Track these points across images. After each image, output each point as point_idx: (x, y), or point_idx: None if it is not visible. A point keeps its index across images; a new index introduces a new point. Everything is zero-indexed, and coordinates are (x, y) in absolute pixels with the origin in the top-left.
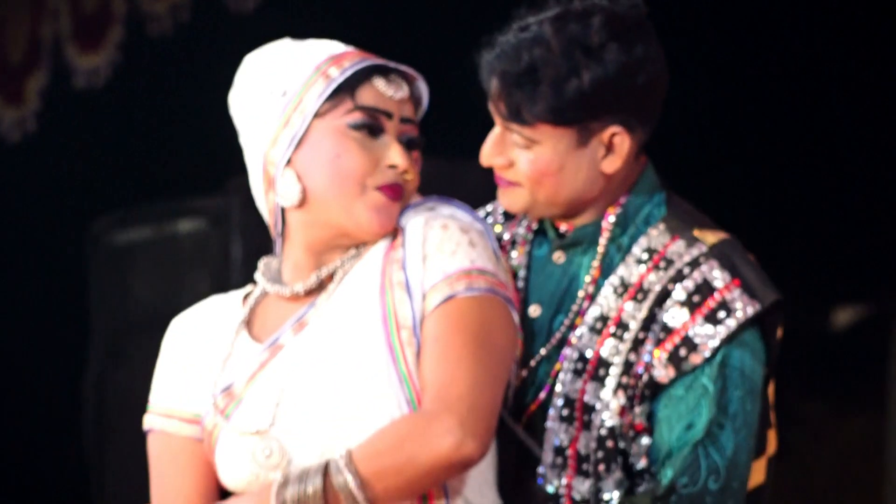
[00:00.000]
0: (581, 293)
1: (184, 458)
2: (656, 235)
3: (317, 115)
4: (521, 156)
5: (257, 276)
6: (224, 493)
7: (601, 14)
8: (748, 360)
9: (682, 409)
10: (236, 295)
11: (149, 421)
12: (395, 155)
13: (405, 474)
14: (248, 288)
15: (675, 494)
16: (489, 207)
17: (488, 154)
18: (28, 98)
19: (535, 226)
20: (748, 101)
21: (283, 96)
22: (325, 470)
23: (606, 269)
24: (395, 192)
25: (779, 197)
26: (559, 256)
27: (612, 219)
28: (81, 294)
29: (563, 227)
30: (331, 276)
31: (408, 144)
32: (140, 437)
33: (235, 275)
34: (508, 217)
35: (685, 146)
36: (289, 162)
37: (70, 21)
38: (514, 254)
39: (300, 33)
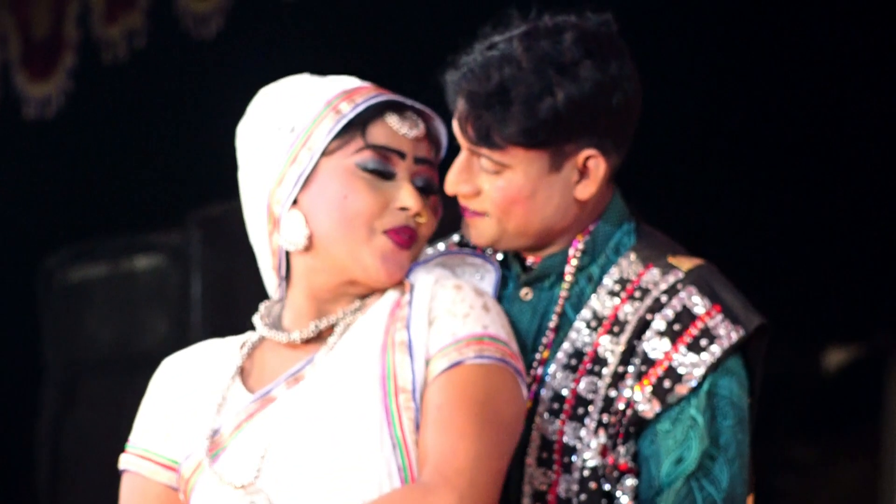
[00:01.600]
0: (551, 324)
1: (154, 503)
2: (628, 265)
3: (325, 153)
4: (489, 182)
5: (255, 319)
6: None
7: (573, 30)
8: (735, 387)
9: (670, 444)
10: (234, 341)
11: (124, 461)
12: (406, 196)
13: None
14: (247, 335)
15: None
16: (440, 246)
17: (454, 182)
18: None
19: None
20: (736, 133)
21: (291, 132)
22: None
23: (576, 301)
24: (404, 238)
25: (768, 236)
26: (526, 293)
27: (580, 246)
28: (34, 334)
29: (529, 259)
30: (331, 328)
31: (423, 189)
32: (96, 483)
33: (195, 313)
34: None
35: (668, 180)
36: (295, 202)
37: (19, 47)
38: None
39: (264, 60)
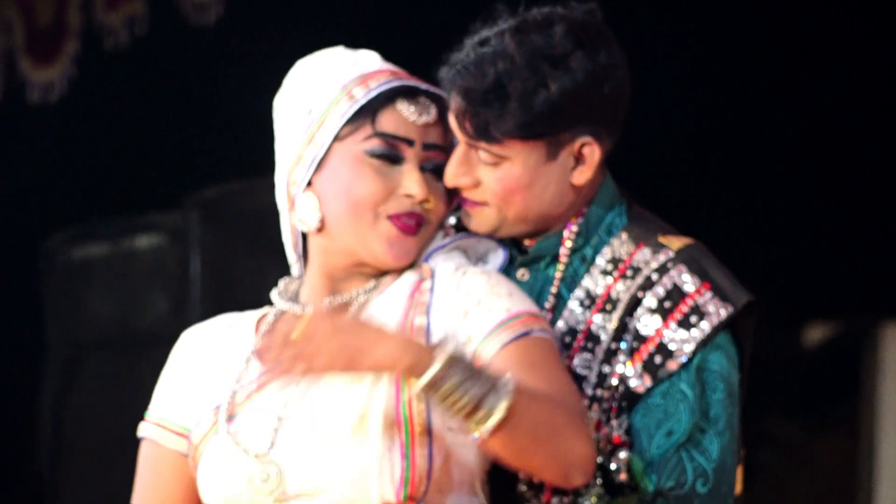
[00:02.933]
0: (547, 304)
1: (168, 471)
2: (619, 245)
3: (337, 138)
4: (488, 174)
5: (273, 294)
6: None
7: (562, 22)
8: (725, 362)
9: (661, 416)
10: (252, 315)
11: (142, 429)
12: (412, 183)
13: (536, 434)
14: (265, 309)
15: (663, 498)
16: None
17: (453, 174)
18: None
19: None
20: (717, 112)
21: (308, 114)
22: (491, 386)
23: (570, 282)
24: (409, 224)
25: (748, 214)
26: (523, 274)
27: (574, 228)
28: (36, 312)
29: (525, 241)
30: (345, 306)
31: (435, 171)
32: (98, 460)
33: (195, 292)
34: None
35: (652, 161)
36: (309, 184)
37: (23, 34)
38: None
39: (263, 47)
